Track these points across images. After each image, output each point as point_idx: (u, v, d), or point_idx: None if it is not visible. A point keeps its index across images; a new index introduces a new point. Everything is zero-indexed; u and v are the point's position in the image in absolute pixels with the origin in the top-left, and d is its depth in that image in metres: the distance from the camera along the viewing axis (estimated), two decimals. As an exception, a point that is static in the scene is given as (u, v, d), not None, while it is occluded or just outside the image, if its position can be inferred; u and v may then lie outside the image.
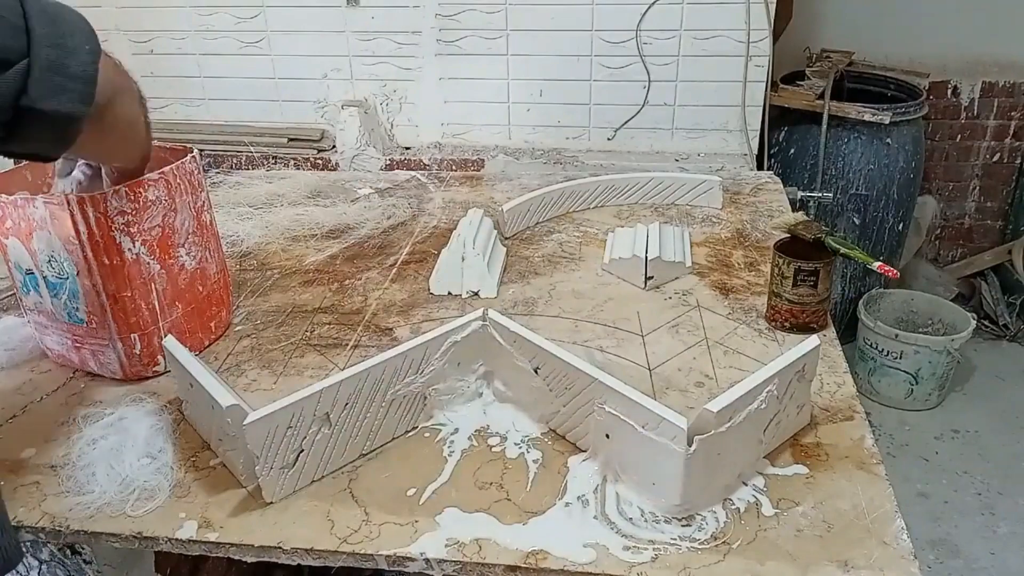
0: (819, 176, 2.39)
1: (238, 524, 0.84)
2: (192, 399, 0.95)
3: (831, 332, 1.15)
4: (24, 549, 0.61)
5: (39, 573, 0.96)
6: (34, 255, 1.03)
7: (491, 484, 0.88)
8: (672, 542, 0.79)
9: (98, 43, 0.74)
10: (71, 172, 1.02)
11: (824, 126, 2.32)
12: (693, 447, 0.78)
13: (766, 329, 1.16)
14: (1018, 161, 2.84)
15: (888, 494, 0.84)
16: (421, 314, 1.24)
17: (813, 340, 0.91)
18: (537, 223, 1.57)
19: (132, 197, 1.00)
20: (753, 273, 1.33)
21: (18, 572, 0.96)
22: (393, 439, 0.96)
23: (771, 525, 0.81)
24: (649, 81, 2.08)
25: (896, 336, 2.36)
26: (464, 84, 2.19)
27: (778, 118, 2.39)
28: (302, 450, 0.86)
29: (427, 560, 0.79)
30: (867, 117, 2.29)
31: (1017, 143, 2.82)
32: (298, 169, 2.14)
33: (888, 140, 2.37)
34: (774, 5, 1.96)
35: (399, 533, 0.82)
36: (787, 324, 1.15)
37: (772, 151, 2.43)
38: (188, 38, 2.26)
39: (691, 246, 1.42)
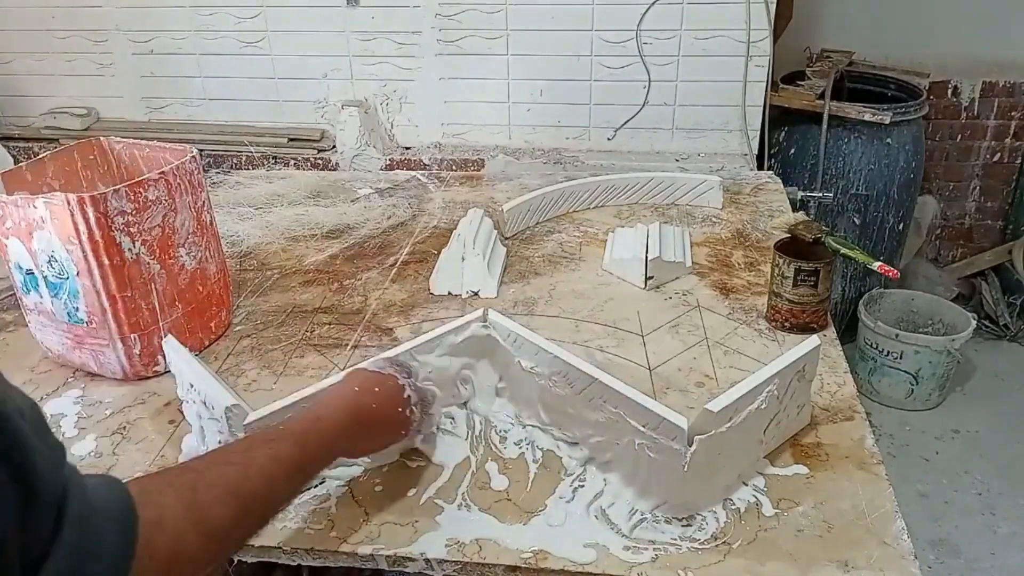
0: (819, 176, 2.39)
1: (238, 524, 0.83)
2: (192, 399, 0.95)
3: (831, 332, 1.15)
4: None
5: (39, 573, 0.96)
6: (34, 255, 1.03)
7: (491, 484, 0.88)
8: (672, 542, 0.79)
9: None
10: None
11: (824, 126, 2.32)
12: (693, 447, 0.78)
13: (766, 329, 1.16)
14: (1018, 161, 2.84)
15: (888, 494, 0.84)
16: (421, 314, 1.24)
17: (813, 340, 0.91)
18: (537, 223, 1.56)
19: (132, 197, 1.00)
20: (753, 273, 1.33)
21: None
22: (393, 439, 0.95)
23: (771, 525, 0.81)
24: (649, 81, 2.07)
25: (896, 336, 2.36)
26: (464, 84, 2.19)
27: (778, 118, 2.39)
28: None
29: (427, 560, 0.79)
30: (867, 117, 2.29)
31: (1017, 143, 2.82)
32: (298, 169, 2.14)
33: (888, 140, 2.37)
34: (774, 5, 1.96)
35: (399, 533, 0.82)
36: (787, 324, 1.15)
37: (772, 151, 2.42)
38: (188, 38, 2.26)
39: (691, 246, 1.42)
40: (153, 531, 0.52)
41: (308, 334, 1.19)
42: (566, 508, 0.84)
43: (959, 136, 2.83)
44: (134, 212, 1.01)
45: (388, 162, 2.17)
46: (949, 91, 2.77)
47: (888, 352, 2.40)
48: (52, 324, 1.10)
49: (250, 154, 2.22)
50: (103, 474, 0.56)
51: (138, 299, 1.04)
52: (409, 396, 0.84)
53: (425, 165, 2.17)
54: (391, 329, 1.20)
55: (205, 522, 0.57)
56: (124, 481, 0.54)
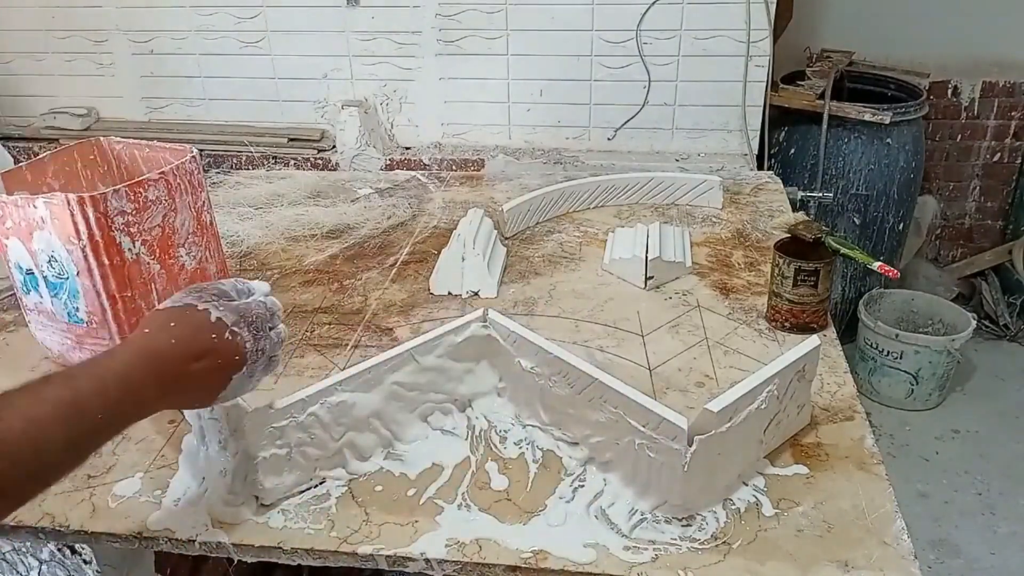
0: (819, 176, 2.39)
1: (238, 524, 0.83)
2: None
3: (831, 332, 1.15)
4: None
5: (39, 573, 0.96)
6: (34, 255, 1.03)
7: (491, 484, 0.88)
8: (672, 542, 0.79)
9: None
10: None
11: (824, 126, 2.32)
12: (693, 447, 0.78)
13: (766, 329, 1.16)
14: (1018, 161, 2.84)
15: (888, 494, 0.84)
16: (421, 314, 1.24)
17: (813, 340, 0.91)
18: (537, 223, 1.56)
19: (132, 197, 1.00)
20: (753, 273, 1.33)
21: (18, 572, 0.96)
22: (393, 439, 0.96)
23: (771, 525, 0.81)
24: (649, 81, 2.08)
25: (896, 336, 2.36)
26: (464, 84, 2.19)
27: (778, 118, 2.39)
28: (302, 450, 0.86)
29: (427, 560, 0.79)
30: (867, 117, 2.29)
31: (1017, 143, 2.82)
32: (298, 169, 2.14)
33: (888, 140, 2.37)
34: (774, 5, 1.96)
35: (399, 533, 0.82)
36: (787, 324, 1.15)
37: (772, 151, 2.42)
38: (188, 38, 2.26)
39: (691, 246, 1.42)
40: None
41: (308, 334, 1.19)
42: (566, 508, 0.84)
43: (959, 136, 2.84)
44: (134, 212, 1.01)
45: (388, 162, 2.18)
46: (949, 91, 2.77)
47: (888, 352, 2.40)
48: (52, 324, 1.10)
49: (250, 154, 2.22)
50: None
51: (138, 299, 1.04)
52: (220, 319, 0.74)
53: (425, 165, 2.17)
54: (391, 329, 1.20)
55: None
56: None
